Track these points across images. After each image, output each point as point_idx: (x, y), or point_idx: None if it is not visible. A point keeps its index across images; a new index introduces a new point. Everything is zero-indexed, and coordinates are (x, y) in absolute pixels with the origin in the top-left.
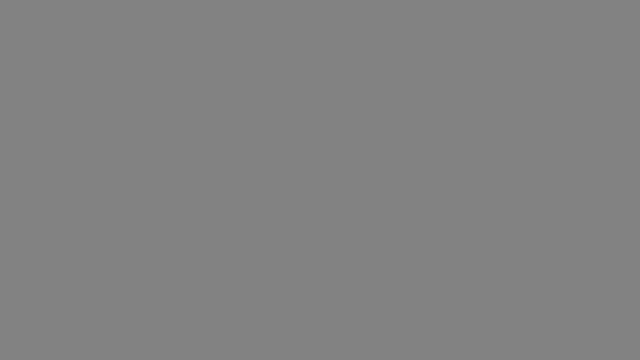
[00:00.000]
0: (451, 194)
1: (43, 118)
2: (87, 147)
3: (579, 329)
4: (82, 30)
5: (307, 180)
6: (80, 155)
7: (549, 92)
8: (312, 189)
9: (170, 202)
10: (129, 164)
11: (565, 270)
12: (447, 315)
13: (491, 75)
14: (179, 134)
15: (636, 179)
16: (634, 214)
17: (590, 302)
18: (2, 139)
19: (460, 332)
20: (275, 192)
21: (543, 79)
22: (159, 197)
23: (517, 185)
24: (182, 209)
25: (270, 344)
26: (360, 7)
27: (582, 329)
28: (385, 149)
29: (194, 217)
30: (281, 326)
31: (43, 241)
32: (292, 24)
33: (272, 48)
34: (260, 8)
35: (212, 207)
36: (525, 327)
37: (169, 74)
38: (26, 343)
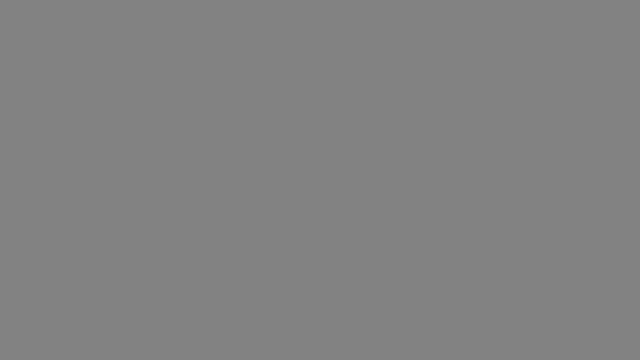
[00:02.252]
0: (451, 195)
1: (43, 118)
2: (87, 147)
3: (579, 329)
4: (82, 30)
5: (307, 181)
6: (80, 155)
7: (549, 92)
8: (312, 189)
9: (170, 202)
10: (129, 164)
11: (565, 270)
12: (447, 315)
13: (491, 75)
14: (179, 134)
15: (636, 179)
16: (634, 214)
17: (591, 303)
18: (2, 139)
19: (460, 332)
20: (275, 192)
21: (543, 79)
22: (159, 198)
23: (517, 186)
24: (182, 209)
25: (270, 344)
26: (360, 7)
27: (582, 329)
28: (385, 149)
29: (194, 217)
30: (281, 326)
31: (43, 241)
32: (292, 24)
33: (272, 48)
34: (260, 8)
35: (212, 207)
36: (525, 327)
37: (169, 74)
38: (26, 343)
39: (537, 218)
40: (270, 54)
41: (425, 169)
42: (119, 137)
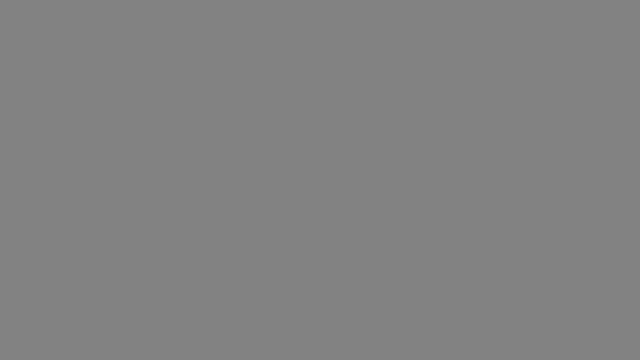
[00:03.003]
0: (451, 195)
1: (43, 118)
2: (87, 147)
3: (579, 329)
4: (82, 30)
5: (306, 181)
6: (80, 155)
7: (549, 92)
8: (312, 189)
9: (170, 202)
10: (129, 164)
11: (565, 270)
12: (447, 315)
13: (491, 75)
14: (179, 134)
15: (636, 179)
16: (634, 214)
17: (591, 303)
18: (2, 139)
19: (460, 332)
20: (275, 192)
21: (543, 79)
22: (159, 198)
23: (517, 186)
24: (182, 209)
25: (270, 344)
26: (360, 7)
27: (582, 329)
28: (385, 149)
29: (194, 217)
30: (281, 326)
31: (43, 241)
32: (292, 24)
33: (272, 48)
34: (260, 8)
35: (212, 207)
36: (525, 327)
37: (169, 74)
38: (26, 343)
39: (537, 219)
40: (271, 54)
41: (425, 169)
42: (119, 137)
